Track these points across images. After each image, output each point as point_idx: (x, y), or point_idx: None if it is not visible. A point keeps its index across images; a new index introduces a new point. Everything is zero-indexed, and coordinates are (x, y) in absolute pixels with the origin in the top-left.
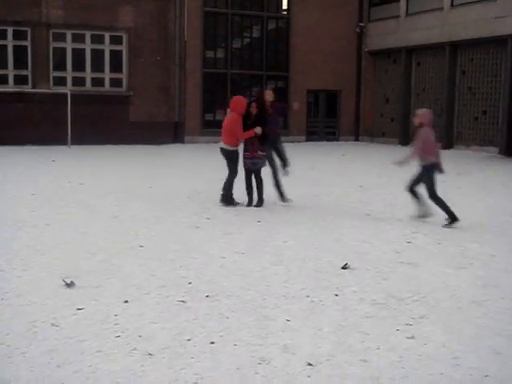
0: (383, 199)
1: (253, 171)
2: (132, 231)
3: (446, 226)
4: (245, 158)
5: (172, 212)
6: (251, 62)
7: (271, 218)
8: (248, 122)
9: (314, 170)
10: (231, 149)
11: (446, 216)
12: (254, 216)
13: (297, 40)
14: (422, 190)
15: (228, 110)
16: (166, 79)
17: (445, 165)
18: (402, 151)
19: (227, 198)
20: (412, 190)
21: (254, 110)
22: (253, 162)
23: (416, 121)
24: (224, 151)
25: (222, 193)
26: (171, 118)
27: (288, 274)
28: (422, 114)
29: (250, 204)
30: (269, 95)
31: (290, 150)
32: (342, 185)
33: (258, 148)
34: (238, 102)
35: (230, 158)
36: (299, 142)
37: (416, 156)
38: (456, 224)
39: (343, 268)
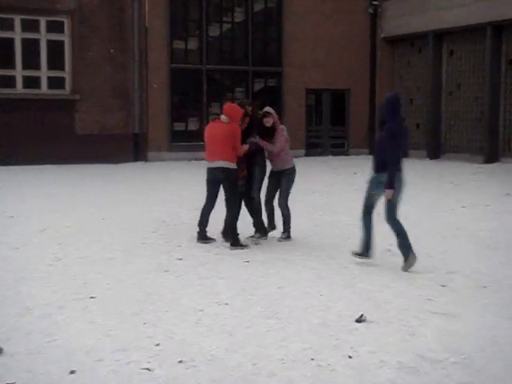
0: (408, 230)
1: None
2: (80, 277)
3: (281, 238)
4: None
5: (133, 251)
6: (233, 54)
7: (262, 257)
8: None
9: (316, 193)
10: (233, 166)
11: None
12: (240, 254)
13: (292, 25)
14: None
15: (221, 117)
16: (123, 78)
17: (487, 184)
18: (432, 167)
19: (234, 241)
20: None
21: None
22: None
23: (269, 122)
24: (223, 172)
25: (198, 230)
26: (130, 128)
27: (285, 329)
28: (274, 113)
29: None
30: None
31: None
32: (354, 212)
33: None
34: (237, 111)
35: (232, 180)
36: (297, 156)
37: (279, 160)
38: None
39: (358, 321)
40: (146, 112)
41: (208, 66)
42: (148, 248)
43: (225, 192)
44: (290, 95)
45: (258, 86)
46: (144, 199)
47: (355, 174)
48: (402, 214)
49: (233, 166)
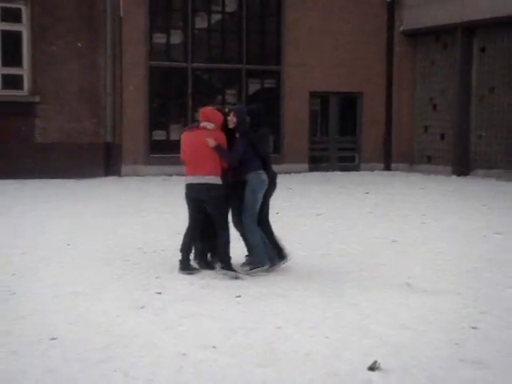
0: (432, 261)
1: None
2: (38, 316)
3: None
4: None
5: (102, 284)
6: (224, 50)
7: (257, 291)
8: None
9: (321, 216)
10: (218, 182)
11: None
12: (231, 288)
13: (293, 16)
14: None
15: (204, 124)
16: (93, 78)
17: None
18: (460, 185)
19: (228, 266)
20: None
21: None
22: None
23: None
24: (207, 189)
25: (180, 258)
26: (100, 137)
27: (285, 381)
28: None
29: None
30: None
31: (284, 185)
32: (366, 239)
33: None
34: (219, 117)
35: (218, 198)
36: (299, 172)
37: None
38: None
39: (371, 369)
40: (120, 118)
41: (194, 65)
42: (120, 280)
43: (212, 213)
44: (291, 99)
45: (253, 88)
46: (116, 222)
47: (367, 193)
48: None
49: (219, 181)
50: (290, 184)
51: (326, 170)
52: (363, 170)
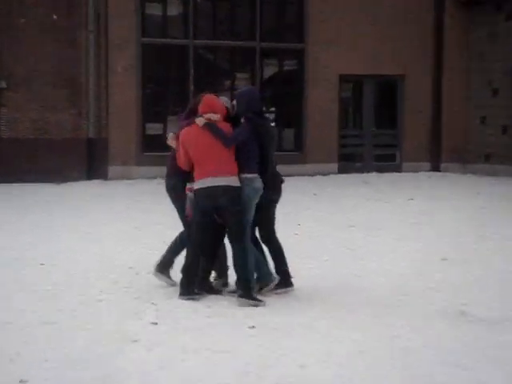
0: (491, 283)
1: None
2: (9, 353)
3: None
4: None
5: (85, 312)
6: (233, 24)
7: (274, 320)
8: None
9: (354, 228)
10: (239, 184)
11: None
12: (242, 317)
13: None
14: None
15: (209, 116)
16: (72, 59)
17: None
18: None
19: (247, 293)
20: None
21: None
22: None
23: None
24: (226, 193)
25: (181, 281)
26: (82, 131)
27: None
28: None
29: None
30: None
31: (307, 190)
32: (410, 255)
33: None
34: (222, 106)
35: (239, 203)
36: (326, 174)
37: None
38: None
39: None
40: (106, 107)
41: (197, 42)
42: (108, 307)
43: (229, 222)
44: (317, 85)
45: (268, 71)
46: (101, 235)
47: (411, 200)
48: None
49: (238, 183)
50: (314, 189)
51: (360, 170)
52: (406, 170)
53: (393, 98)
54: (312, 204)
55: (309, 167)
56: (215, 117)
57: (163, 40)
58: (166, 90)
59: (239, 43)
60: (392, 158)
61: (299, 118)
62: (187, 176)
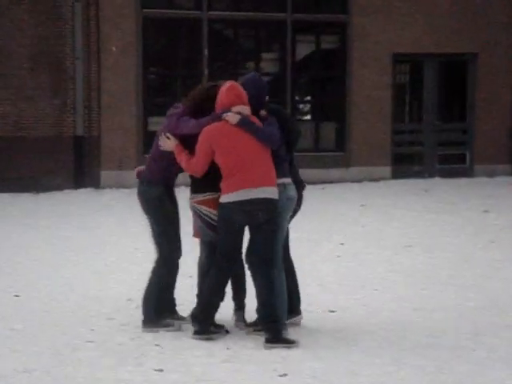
0: None
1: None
2: None
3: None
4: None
5: (71, 356)
6: None
7: (312, 367)
8: None
9: (412, 247)
10: (277, 197)
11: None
12: (270, 361)
13: None
14: None
15: (240, 109)
16: (54, 35)
17: None
18: None
19: (276, 334)
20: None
21: None
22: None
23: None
24: (268, 206)
25: (195, 315)
26: (67, 126)
27: None
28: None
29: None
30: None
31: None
32: (486, 283)
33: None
34: (244, 94)
35: (276, 219)
36: (376, 180)
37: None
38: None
39: None
40: (98, 97)
41: (212, 13)
42: (101, 349)
43: (263, 243)
44: (364, 66)
45: (303, 49)
46: (92, 259)
47: (486, 211)
48: None
49: (277, 195)
50: (361, 198)
51: (420, 175)
52: (478, 175)
53: (462, 83)
54: (358, 218)
55: (354, 171)
56: (246, 110)
57: (169, 12)
58: (174, 74)
59: (265, 15)
60: (460, 159)
61: (341, 110)
62: (173, 185)
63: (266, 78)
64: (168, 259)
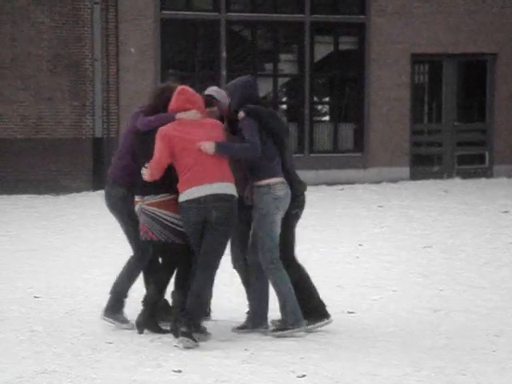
0: None
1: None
2: None
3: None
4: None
5: (91, 356)
6: None
7: (331, 368)
8: None
9: (431, 248)
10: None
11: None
12: (288, 362)
13: None
14: None
15: (192, 114)
16: (73, 36)
17: None
18: None
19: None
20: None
21: None
22: None
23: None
24: (224, 202)
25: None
26: (86, 128)
27: None
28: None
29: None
30: None
31: (370, 201)
32: (505, 285)
33: None
34: (201, 100)
35: (230, 219)
36: (395, 180)
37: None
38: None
39: None
40: (116, 99)
41: (230, 15)
42: (118, 351)
43: (211, 242)
44: (382, 66)
45: (321, 50)
46: (112, 260)
47: (506, 212)
48: None
49: (236, 191)
50: (379, 200)
51: (439, 176)
52: (498, 175)
53: (481, 83)
54: (377, 219)
55: (372, 172)
56: (195, 114)
57: (188, 13)
58: (192, 76)
59: (283, 17)
60: (480, 159)
61: (360, 111)
62: (133, 184)
63: (284, 80)
64: (141, 258)
